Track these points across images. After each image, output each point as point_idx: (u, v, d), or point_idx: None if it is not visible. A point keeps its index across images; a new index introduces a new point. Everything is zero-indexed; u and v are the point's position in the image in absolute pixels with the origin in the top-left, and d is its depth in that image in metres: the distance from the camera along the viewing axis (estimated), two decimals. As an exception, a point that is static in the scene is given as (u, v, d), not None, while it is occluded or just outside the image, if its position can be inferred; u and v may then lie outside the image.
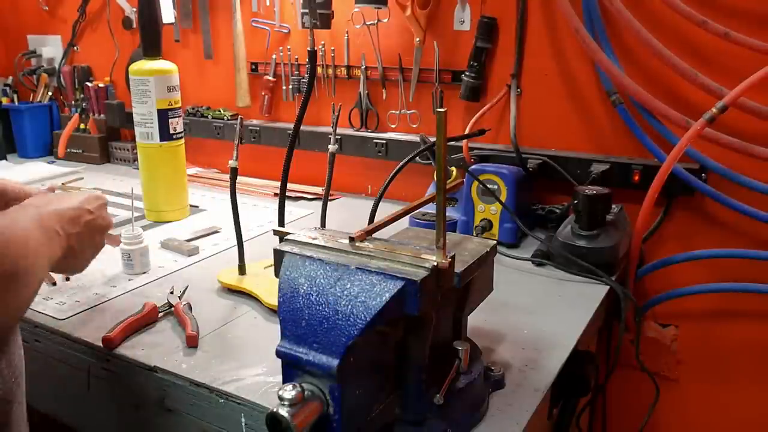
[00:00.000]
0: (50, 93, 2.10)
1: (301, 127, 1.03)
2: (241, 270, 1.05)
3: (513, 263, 1.17)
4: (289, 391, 0.53)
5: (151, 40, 1.35)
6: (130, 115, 1.42)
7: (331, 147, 1.06)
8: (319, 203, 1.10)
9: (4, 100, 2.06)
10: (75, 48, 2.08)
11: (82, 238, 0.80)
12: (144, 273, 1.10)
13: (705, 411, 1.33)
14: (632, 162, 1.25)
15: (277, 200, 1.04)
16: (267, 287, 1.00)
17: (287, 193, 1.10)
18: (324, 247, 0.64)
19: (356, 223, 0.74)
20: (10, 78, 2.12)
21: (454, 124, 1.43)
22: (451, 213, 1.29)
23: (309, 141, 1.60)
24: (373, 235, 0.67)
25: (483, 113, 1.37)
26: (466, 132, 1.35)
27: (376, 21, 1.47)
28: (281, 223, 1.05)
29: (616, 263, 1.12)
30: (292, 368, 0.57)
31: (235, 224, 1.05)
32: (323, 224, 1.07)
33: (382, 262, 0.60)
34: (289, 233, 0.67)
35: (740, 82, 1.04)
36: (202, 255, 1.19)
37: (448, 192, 0.64)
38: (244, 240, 1.06)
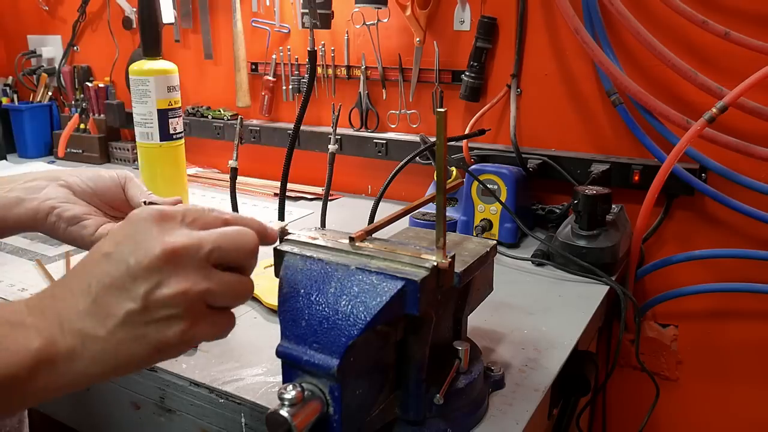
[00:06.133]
0: (50, 93, 2.10)
1: (301, 127, 1.03)
2: (241, 270, 1.05)
3: (513, 263, 1.17)
4: (289, 391, 0.53)
5: (151, 40, 1.35)
6: (130, 115, 1.42)
7: (331, 147, 1.06)
8: (319, 203, 1.10)
9: (4, 100, 2.06)
10: (75, 48, 2.08)
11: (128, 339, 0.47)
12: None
13: (705, 411, 1.33)
14: (632, 162, 1.25)
15: (277, 200, 1.04)
16: (267, 287, 0.99)
17: (287, 193, 1.10)
18: (324, 247, 0.63)
19: (356, 223, 0.74)
20: (10, 78, 2.12)
21: (454, 124, 1.43)
22: (451, 213, 1.29)
23: (309, 141, 1.60)
24: (373, 235, 0.67)
25: (483, 113, 1.37)
26: (466, 132, 1.34)
27: (376, 21, 1.47)
28: (281, 223, 1.04)
29: (616, 263, 1.12)
30: (292, 368, 0.57)
31: (235, 224, 1.04)
32: (323, 224, 1.07)
33: (382, 262, 0.60)
34: (289, 233, 0.67)
35: (740, 82, 1.04)
36: (202, 255, 1.19)
37: (448, 192, 0.63)
38: (244, 240, 1.06)
